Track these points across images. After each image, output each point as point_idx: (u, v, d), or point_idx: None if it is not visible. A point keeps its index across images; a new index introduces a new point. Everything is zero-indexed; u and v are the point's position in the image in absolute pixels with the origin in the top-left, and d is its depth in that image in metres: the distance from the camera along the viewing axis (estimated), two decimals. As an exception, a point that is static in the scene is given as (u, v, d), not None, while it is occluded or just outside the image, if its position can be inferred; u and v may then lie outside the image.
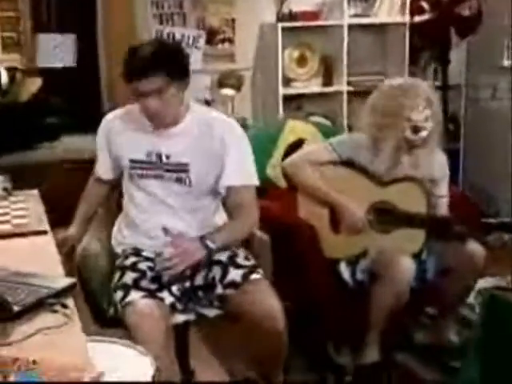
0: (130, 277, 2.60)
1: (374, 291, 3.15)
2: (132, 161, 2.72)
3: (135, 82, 2.52)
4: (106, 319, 2.62)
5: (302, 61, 5.35)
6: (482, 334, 2.46)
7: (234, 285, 2.63)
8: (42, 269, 2.19)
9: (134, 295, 2.50)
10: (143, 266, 2.66)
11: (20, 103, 5.16)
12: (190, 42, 5.17)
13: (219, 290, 2.65)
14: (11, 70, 5.30)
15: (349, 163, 3.26)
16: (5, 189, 3.06)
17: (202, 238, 2.64)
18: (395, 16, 5.34)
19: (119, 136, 2.75)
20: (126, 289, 2.54)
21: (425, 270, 3.26)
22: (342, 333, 3.36)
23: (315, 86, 5.38)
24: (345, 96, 5.29)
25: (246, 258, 2.75)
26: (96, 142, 2.84)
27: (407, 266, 3.09)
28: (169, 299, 2.57)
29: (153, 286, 2.57)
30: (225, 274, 2.66)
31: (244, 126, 3.93)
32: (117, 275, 2.66)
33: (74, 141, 5.12)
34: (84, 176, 2.99)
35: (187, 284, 2.69)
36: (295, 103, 5.48)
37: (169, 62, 2.55)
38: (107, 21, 5.29)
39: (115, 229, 2.88)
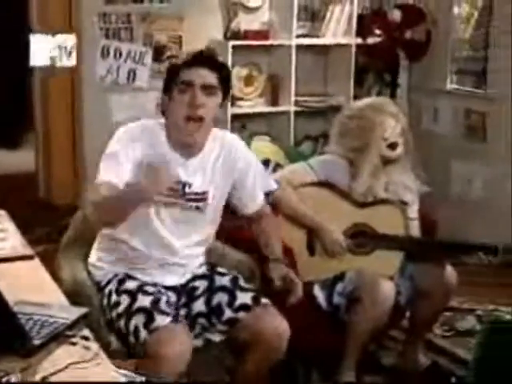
0: (145, 300, 2.46)
1: (354, 315, 3.11)
2: None
3: (193, 70, 2.45)
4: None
5: (248, 80, 5.30)
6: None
7: (245, 308, 2.58)
8: (43, 297, 2.05)
9: (163, 320, 2.37)
10: (151, 289, 2.53)
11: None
12: (137, 58, 5.04)
13: (229, 313, 2.58)
14: None
15: (326, 184, 3.23)
16: (-29, 209, 2.85)
17: None
18: (341, 37, 5.36)
19: (138, 153, 2.49)
20: (147, 313, 2.40)
21: (398, 292, 3.24)
22: (314, 356, 3.31)
23: (261, 106, 5.33)
24: (292, 116, 5.27)
25: (246, 282, 2.71)
26: (113, 153, 2.48)
27: (389, 290, 3.06)
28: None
29: (172, 310, 2.47)
30: (233, 298, 2.60)
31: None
32: (124, 300, 2.49)
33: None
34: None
35: (183, 312, 2.60)
36: (239, 122, 5.41)
37: (222, 68, 2.55)
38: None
39: (99, 255, 2.69)
